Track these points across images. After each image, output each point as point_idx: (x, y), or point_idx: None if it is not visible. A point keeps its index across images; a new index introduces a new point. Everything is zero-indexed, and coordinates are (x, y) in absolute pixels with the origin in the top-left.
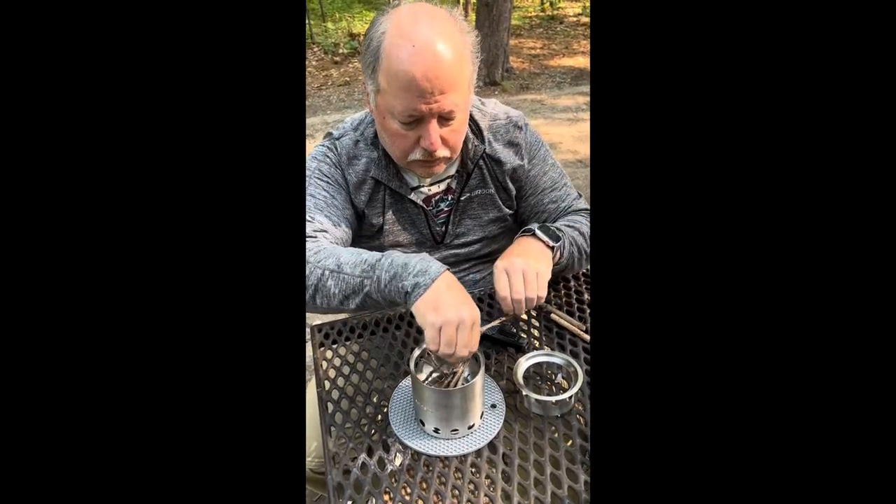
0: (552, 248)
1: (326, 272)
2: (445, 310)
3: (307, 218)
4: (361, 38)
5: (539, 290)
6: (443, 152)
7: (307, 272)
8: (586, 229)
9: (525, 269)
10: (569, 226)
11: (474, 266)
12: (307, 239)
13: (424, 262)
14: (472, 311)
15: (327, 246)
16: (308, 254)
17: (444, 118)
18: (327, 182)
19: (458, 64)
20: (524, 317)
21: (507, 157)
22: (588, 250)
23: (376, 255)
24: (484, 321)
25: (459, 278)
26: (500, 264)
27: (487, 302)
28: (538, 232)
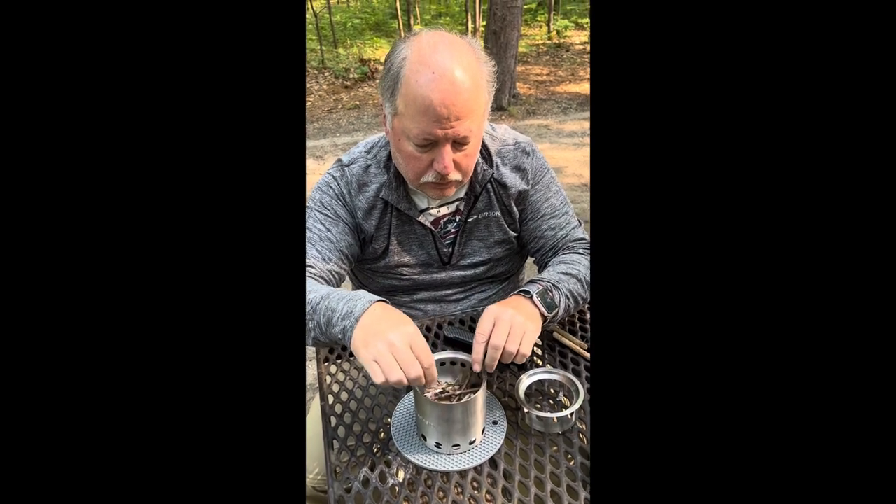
0: (544, 318)
1: None
2: (374, 341)
3: None
4: (371, 63)
5: (522, 346)
6: (455, 176)
7: None
8: (583, 272)
9: (514, 323)
10: (567, 273)
11: (480, 285)
12: None
13: (351, 303)
14: (401, 331)
15: None
16: None
17: (459, 143)
18: (325, 215)
19: (475, 92)
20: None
21: (513, 181)
22: (584, 296)
23: (318, 295)
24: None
25: (465, 297)
26: (491, 308)
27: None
28: (535, 299)
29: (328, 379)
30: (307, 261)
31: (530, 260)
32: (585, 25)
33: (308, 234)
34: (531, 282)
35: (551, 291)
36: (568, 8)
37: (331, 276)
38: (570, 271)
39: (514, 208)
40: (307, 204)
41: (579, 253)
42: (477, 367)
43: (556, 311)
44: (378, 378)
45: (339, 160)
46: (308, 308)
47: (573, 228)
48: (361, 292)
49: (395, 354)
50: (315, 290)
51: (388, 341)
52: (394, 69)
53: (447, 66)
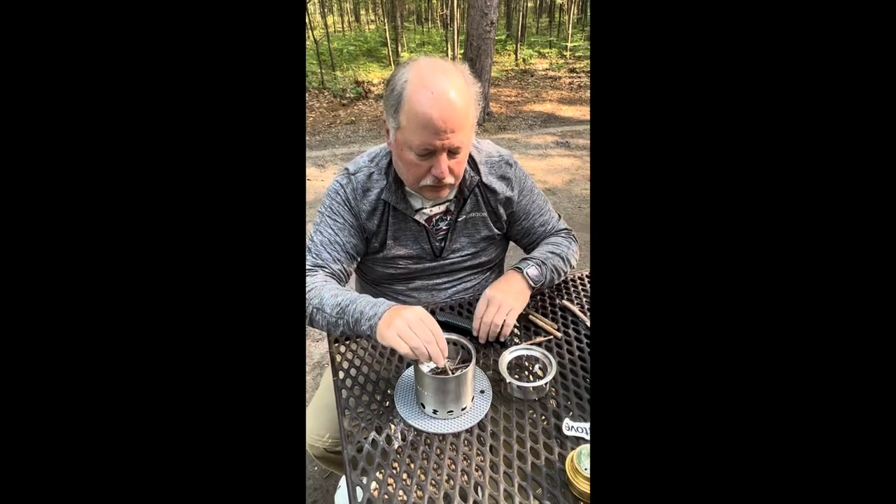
0: (532, 287)
1: (313, 309)
2: (394, 321)
3: (314, 252)
4: (365, 84)
5: (508, 319)
6: (449, 179)
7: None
8: (565, 251)
9: (502, 304)
10: (553, 252)
11: (467, 275)
12: (307, 271)
13: (375, 308)
14: (414, 311)
15: (317, 283)
16: (307, 286)
17: (452, 152)
18: (334, 220)
19: (465, 109)
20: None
21: (500, 188)
22: (565, 269)
23: (346, 299)
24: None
25: (453, 285)
26: (487, 293)
27: (466, 308)
28: (524, 274)
29: (339, 357)
30: (321, 261)
31: (509, 253)
32: (546, 54)
33: (320, 236)
34: (524, 259)
35: (539, 266)
36: (532, 40)
37: (340, 274)
38: (555, 250)
39: (501, 210)
40: (319, 209)
41: (562, 237)
42: (482, 339)
43: (541, 283)
44: (402, 350)
45: (346, 169)
46: (337, 309)
47: (556, 221)
48: (382, 300)
49: (413, 328)
50: (341, 294)
51: (405, 318)
52: (397, 90)
53: (443, 87)
